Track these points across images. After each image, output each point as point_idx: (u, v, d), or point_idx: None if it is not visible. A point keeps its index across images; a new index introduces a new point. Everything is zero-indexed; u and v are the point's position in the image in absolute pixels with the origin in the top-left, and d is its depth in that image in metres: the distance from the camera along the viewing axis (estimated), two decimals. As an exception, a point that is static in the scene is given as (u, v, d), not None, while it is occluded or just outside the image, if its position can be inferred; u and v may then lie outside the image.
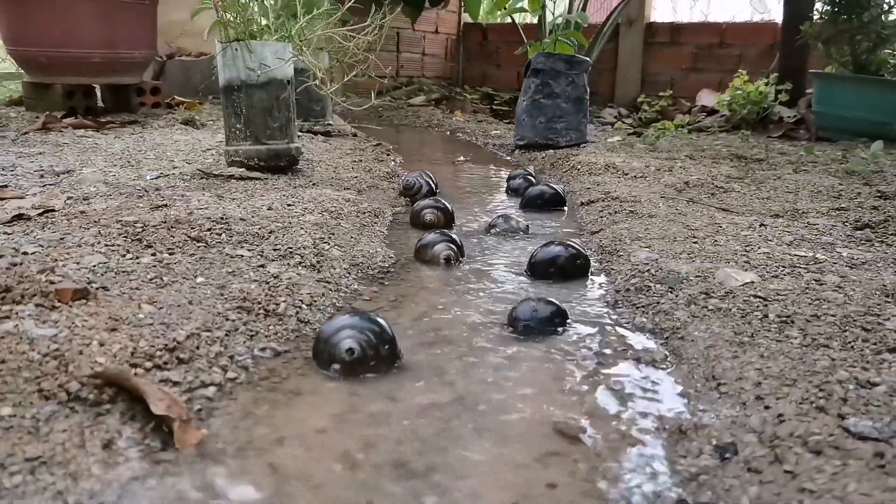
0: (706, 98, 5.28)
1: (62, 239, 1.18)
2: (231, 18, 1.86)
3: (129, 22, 3.19)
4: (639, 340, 1.02)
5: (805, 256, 1.37)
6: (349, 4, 2.04)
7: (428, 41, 5.99)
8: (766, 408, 0.76)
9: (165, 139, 2.60)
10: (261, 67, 1.81)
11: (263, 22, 1.92)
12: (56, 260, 1.06)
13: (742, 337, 0.95)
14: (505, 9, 3.20)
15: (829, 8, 3.83)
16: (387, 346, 0.91)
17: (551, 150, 2.75)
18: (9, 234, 1.23)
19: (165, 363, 0.81)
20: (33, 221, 1.34)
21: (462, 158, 2.86)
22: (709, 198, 2.01)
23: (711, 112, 4.81)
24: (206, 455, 0.69)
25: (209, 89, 3.91)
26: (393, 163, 2.54)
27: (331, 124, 2.90)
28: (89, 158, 2.11)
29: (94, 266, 1.06)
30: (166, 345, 0.83)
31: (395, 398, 0.83)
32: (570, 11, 2.93)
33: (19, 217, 1.36)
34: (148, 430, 0.71)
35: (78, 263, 1.06)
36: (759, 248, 1.41)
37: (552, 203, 1.92)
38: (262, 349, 0.92)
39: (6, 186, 1.67)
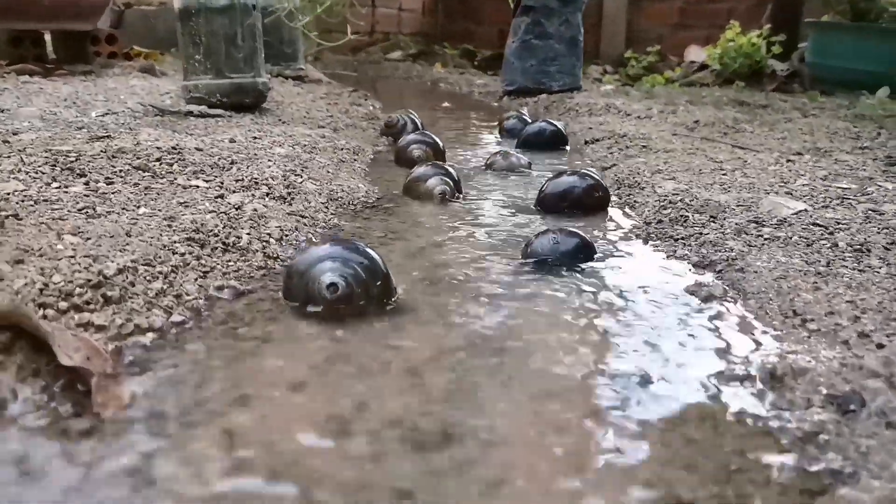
0: (694, 54, 5.09)
1: (-27, 167, 0.96)
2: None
3: (80, -39, 2.90)
4: (686, 274, 0.84)
5: (850, 189, 1.19)
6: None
7: (405, -5, 5.70)
8: (880, 346, 0.58)
9: (119, 84, 2.35)
10: (221, -15, 1.57)
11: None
12: (-41, 187, 0.85)
13: (817, 267, 0.77)
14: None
15: (827, -49, 3.65)
16: (378, 283, 0.71)
17: (543, 95, 2.54)
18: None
19: (87, 303, 0.61)
20: (-54, 154, 1.11)
21: (447, 105, 2.65)
22: (722, 136, 1.83)
23: (701, 67, 4.62)
24: (137, 422, 0.49)
25: (172, 41, 3.63)
26: (371, 107, 2.32)
27: (302, 69, 2.66)
28: (30, 100, 1.87)
29: (9, 194, 0.85)
30: (89, 280, 0.63)
31: (391, 344, 0.64)
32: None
33: (-71, 149, 1.13)
34: (56, 390, 0.52)
35: (-13, 191, 0.85)
36: (795, 180, 1.24)
37: (553, 142, 1.73)
38: (220, 288, 0.72)
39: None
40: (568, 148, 1.76)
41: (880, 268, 0.77)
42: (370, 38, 5.40)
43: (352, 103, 2.28)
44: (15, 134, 1.31)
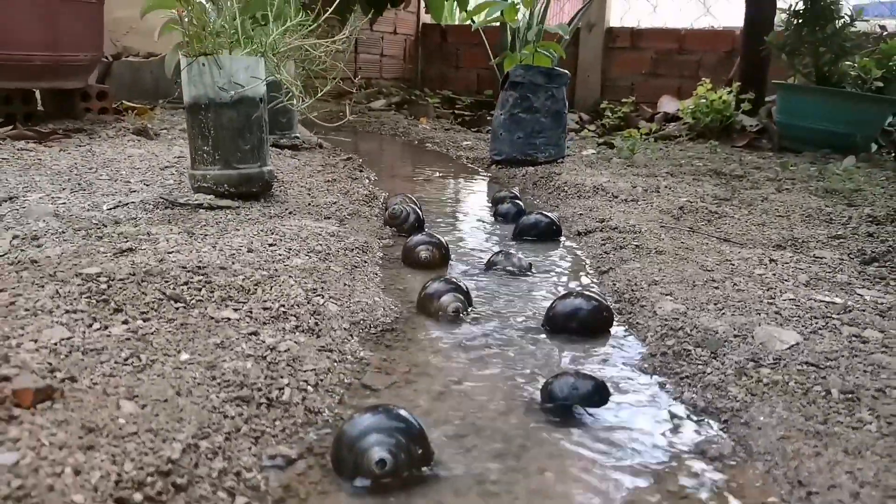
0: (668, 105, 5.27)
1: (13, 303, 1.00)
2: (196, 30, 1.68)
3: (73, 21, 2.94)
4: (696, 425, 0.91)
5: (833, 304, 1.29)
6: (326, 16, 1.91)
7: (386, 42, 5.82)
8: (880, 533, 0.66)
9: (117, 153, 2.38)
10: (232, 86, 1.63)
11: (230, 31, 1.74)
12: (8, 337, 0.89)
13: (815, 424, 0.85)
14: (473, 21, 3.08)
15: (793, 19, 3.83)
16: (419, 449, 0.77)
17: (531, 167, 2.63)
18: (-55, 294, 1.04)
19: (160, 494, 0.65)
20: (-26, 273, 1.14)
21: (438, 174, 2.72)
22: (706, 225, 1.93)
23: (674, 119, 4.79)
24: None
25: (159, 92, 3.67)
26: (367, 180, 2.38)
27: (298, 137, 2.72)
28: (33, 179, 1.90)
29: (56, 344, 0.89)
30: (158, 467, 0.67)
31: (438, 522, 0.70)
32: (536, 20, 2.80)
33: (-43, 267, 1.16)
34: None
35: (35, 341, 0.89)
36: (780, 292, 1.33)
37: (548, 234, 1.81)
38: (273, 457, 0.77)
39: (-62, 221, 1.46)
40: (563, 239, 1.84)
41: (871, 423, 0.85)
42: (353, 83, 5.49)
43: (348, 176, 2.34)
44: (35, 240, 1.34)
